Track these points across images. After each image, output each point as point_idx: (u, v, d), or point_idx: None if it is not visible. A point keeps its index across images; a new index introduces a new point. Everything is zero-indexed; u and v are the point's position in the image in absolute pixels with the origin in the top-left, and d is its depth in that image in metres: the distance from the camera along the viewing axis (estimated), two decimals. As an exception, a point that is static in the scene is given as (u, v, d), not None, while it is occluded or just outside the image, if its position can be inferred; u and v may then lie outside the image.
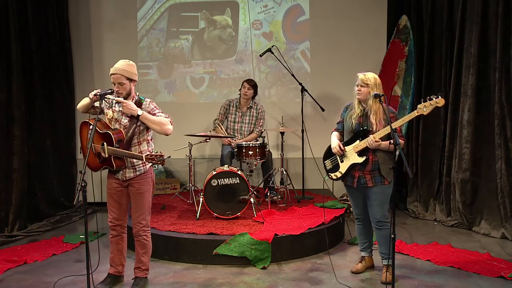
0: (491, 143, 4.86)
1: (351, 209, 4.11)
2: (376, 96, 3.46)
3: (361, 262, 3.91)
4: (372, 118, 3.54)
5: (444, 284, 3.62)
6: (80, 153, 3.52)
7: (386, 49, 6.02)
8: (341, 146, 3.63)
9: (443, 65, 5.43)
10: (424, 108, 3.41)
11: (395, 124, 3.43)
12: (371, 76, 3.55)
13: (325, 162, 3.83)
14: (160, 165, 3.33)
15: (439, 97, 3.39)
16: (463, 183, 5.04)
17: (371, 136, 3.49)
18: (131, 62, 3.39)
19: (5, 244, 4.61)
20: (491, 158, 4.88)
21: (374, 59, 5.97)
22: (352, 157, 3.61)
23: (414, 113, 3.46)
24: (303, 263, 4.11)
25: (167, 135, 3.40)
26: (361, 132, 3.57)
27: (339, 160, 3.70)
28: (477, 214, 5.03)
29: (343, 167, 3.67)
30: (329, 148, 3.77)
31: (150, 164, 3.45)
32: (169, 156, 3.40)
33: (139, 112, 3.31)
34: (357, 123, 3.61)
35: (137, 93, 3.48)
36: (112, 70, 3.34)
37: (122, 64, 3.34)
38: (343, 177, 3.70)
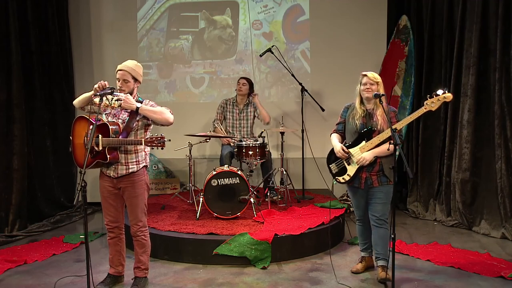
0: (491, 143, 4.86)
1: (351, 209, 4.10)
2: (376, 96, 3.47)
3: (361, 262, 3.91)
4: (378, 117, 3.55)
5: (444, 284, 3.61)
6: (70, 150, 3.42)
7: (386, 49, 6.02)
8: (345, 149, 3.61)
9: (443, 65, 5.43)
10: (432, 103, 3.40)
11: (402, 123, 3.47)
12: (377, 75, 3.59)
13: (330, 166, 3.76)
14: (160, 148, 3.25)
15: (446, 92, 3.38)
16: (463, 183, 5.04)
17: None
18: (139, 64, 3.46)
19: (5, 244, 4.61)
20: (491, 158, 4.87)
21: (374, 59, 5.97)
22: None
23: (422, 110, 3.43)
24: (303, 263, 4.11)
25: (169, 124, 3.38)
26: (366, 132, 3.56)
27: (345, 163, 3.66)
28: (477, 214, 5.03)
29: (351, 169, 3.62)
30: (332, 151, 3.73)
31: (144, 165, 3.45)
32: (169, 140, 3.32)
33: (138, 105, 3.32)
34: (361, 124, 3.60)
35: (138, 94, 3.50)
36: (119, 66, 3.38)
37: (130, 63, 3.40)
38: (352, 180, 3.65)
